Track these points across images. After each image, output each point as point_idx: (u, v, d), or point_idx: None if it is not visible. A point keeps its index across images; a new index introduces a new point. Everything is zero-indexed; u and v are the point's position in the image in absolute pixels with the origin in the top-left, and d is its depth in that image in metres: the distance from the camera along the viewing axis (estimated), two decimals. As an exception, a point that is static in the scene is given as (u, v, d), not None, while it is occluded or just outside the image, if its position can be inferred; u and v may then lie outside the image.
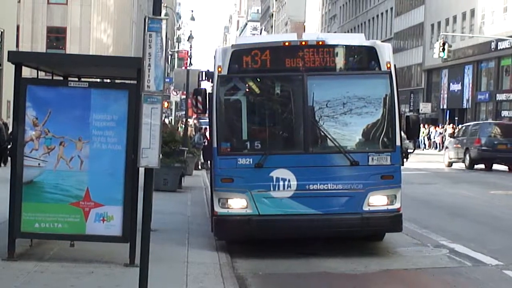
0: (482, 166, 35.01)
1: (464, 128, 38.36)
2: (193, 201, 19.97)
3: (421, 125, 45.87)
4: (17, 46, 38.71)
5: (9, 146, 24.29)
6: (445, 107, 68.38)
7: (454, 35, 61.99)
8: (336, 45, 12.72)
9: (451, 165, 37.26)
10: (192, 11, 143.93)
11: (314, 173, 12.16)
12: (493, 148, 33.49)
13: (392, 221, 12.44)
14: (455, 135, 38.60)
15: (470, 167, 34.72)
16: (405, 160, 12.73)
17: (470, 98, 62.55)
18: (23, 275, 9.85)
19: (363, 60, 12.73)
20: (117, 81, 14.20)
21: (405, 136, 13.22)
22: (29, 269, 10.16)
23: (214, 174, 12.57)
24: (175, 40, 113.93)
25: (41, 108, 10.63)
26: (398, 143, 12.38)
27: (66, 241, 11.20)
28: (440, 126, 62.99)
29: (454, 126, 57.86)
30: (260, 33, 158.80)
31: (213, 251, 12.51)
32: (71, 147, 10.62)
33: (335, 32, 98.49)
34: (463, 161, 35.39)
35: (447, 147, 39.38)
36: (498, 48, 55.86)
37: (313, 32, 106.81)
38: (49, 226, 10.69)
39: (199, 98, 13.21)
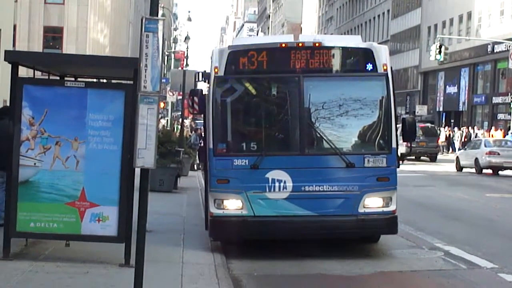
0: (412, 157, 44.53)
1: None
2: (188, 202, 19.96)
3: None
4: (14, 45, 38.59)
5: None
6: (441, 109, 68.39)
7: (451, 38, 61.96)
8: (333, 47, 12.71)
9: None
10: (189, 11, 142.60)
11: (310, 174, 12.16)
12: (416, 145, 42.81)
13: (387, 223, 12.46)
14: None
15: (401, 159, 41.21)
16: (401, 162, 12.75)
17: (466, 100, 62.57)
18: (18, 275, 9.83)
19: (360, 62, 12.71)
20: (113, 81, 14.18)
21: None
22: (24, 269, 10.14)
23: (210, 175, 12.55)
24: (171, 41, 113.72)
25: (38, 108, 10.62)
26: (394, 145, 12.40)
27: (62, 241, 11.19)
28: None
29: (450, 129, 58.02)
30: (257, 35, 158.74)
31: (208, 252, 12.51)
32: (67, 147, 10.61)
33: (331, 34, 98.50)
34: None
35: None
36: (495, 51, 55.86)
37: (310, 33, 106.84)
38: (45, 225, 10.67)
39: (195, 98, 13.21)
